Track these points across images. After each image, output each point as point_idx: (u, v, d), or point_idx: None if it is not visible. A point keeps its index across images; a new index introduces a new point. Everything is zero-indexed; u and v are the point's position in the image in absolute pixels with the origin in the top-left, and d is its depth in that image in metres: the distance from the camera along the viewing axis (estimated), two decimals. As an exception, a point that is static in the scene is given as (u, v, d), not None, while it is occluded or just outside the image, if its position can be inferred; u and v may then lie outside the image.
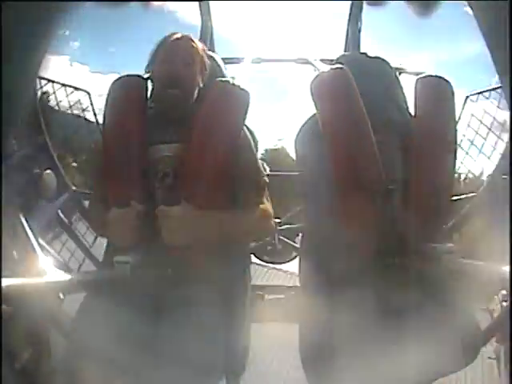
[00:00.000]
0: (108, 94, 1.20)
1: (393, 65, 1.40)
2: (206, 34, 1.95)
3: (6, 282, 0.64)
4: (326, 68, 1.21)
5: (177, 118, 1.16)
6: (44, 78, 1.79)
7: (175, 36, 1.19)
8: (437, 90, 1.26)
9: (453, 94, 1.27)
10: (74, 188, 1.71)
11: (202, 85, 1.21)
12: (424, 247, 0.95)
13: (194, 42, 1.21)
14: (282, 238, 2.16)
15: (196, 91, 1.20)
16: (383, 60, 1.38)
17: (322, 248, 1.30)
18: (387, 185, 1.05)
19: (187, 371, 0.94)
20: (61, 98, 1.92)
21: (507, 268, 0.65)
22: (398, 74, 1.40)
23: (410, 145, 1.25)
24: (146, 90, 1.21)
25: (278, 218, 2.20)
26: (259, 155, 1.32)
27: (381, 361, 1.07)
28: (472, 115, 1.92)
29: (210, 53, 1.41)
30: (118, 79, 1.20)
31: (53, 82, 1.86)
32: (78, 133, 2.00)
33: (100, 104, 1.30)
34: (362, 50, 2.20)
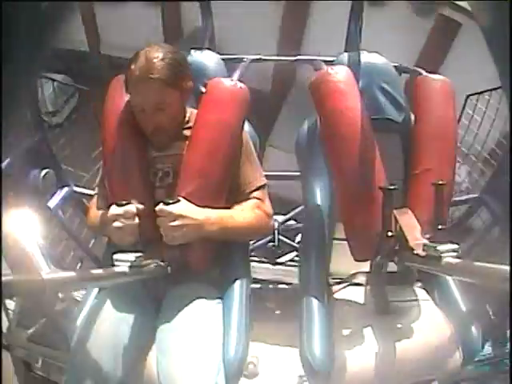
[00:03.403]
0: (108, 92, 1.20)
1: (393, 64, 1.39)
2: (206, 34, 1.95)
3: (5, 281, 0.64)
4: (326, 67, 1.21)
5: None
6: (45, 77, 1.79)
7: (144, 75, 1.02)
8: (437, 90, 1.26)
9: (453, 93, 1.28)
10: (73, 187, 1.71)
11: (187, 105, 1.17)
12: (424, 247, 0.95)
13: (166, 77, 1.03)
14: (281, 237, 2.15)
15: (183, 114, 1.16)
16: (383, 59, 1.38)
17: (322, 248, 1.30)
18: (387, 185, 1.05)
19: (186, 369, 0.94)
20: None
21: (507, 268, 0.65)
22: (398, 73, 1.40)
23: (410, 145, 1.26)
24: None
25: (279, 217, 2.19)
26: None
27: (380, 360, 1.07)
28: (472, 115, 1.92)
29: (210, 52, 1.41)
30: (117, 77, 1.20)
31: (53, 80, 1.87)
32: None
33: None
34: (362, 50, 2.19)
